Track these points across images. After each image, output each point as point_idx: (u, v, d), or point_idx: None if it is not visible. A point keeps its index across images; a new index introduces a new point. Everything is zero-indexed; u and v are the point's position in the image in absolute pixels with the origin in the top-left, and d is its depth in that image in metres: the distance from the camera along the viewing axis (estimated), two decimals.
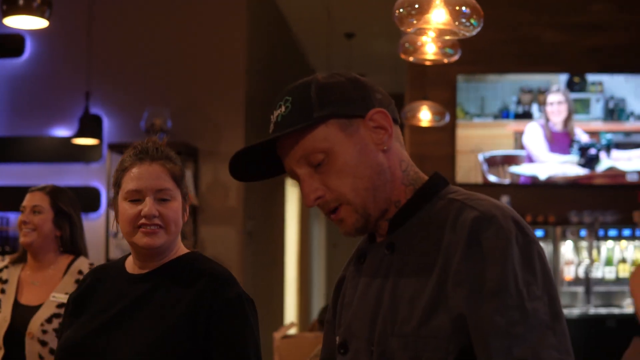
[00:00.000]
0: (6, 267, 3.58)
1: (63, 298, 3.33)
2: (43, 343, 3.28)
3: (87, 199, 8.08)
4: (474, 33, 3.47)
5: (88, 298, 2.44)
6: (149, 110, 7.56)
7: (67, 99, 8.26)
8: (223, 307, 2.29)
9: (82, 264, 3.53)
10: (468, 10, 3.40)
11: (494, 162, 8.15)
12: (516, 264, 1.51)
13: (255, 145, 1.69)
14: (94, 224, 7.94)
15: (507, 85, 8.15)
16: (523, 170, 8.12)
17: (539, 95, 8.10)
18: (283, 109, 1.67)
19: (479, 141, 8.17)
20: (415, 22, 3.47)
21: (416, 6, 3.42)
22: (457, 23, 3.43)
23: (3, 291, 3.49)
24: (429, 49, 4.77)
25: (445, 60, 4.92)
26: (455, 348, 1.52)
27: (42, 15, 5.12)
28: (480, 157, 8.15)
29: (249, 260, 8.38)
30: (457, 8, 3.39)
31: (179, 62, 8.24)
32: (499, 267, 1.50)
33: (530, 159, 8.10)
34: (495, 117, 8.15)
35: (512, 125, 8.17)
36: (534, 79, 8.16)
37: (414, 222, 1.66)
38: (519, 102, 8.12)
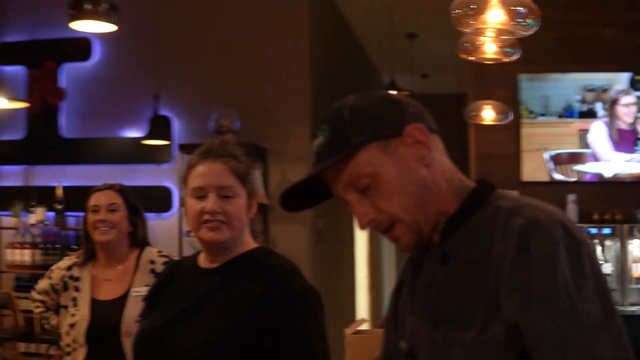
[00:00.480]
0: (75, 264, 3.63)
1: (144, 291, 3.33)
2: None
3: (159, 198, 8.28)
4: (530, 32, 3.52)
5: (164, 290, 2.54)
6: (217, 111, 7.69)
7: (136, 100, 8.44)
8: (288, 302, 2.34)
9: (151, 254, 3.61)
10: (524, 10, 3.46)
11: (559, 161, 8.13)
12: (565, 268, 1.50)
13: (302, 181, 1.72)
14: (166, 223, 8.13)
15: (570, 84, 8.11)
16: (588, 168, 8.09)
17: (602, 93, 8.06)
18: (321, 138, 1.69)
19: (544, 140, 8.16)
20: (472, 22, 3.53)
21: (473, 6, 3.49)
22: (513, 23, 3.49)
23: (77, 289, 3.55)
24: (489, 49, 4.79)
25: (506, 60, 4.93)
26: (514, 354, 1.52)
27: (109, 20, 5.27)
28: (546, 155, 8.14)
29: (318, 258, 8.47)
30: (513, 8, 3.45)
31: (246, 64, 8.36)
32: (548, 272, 1.49)
33: (595, 158, 8.07)
34: (560, 115, 8.12)
35: (576, 124, 8.13)
36: (596, 78, 8.12)
37: (464, 232, 1.67)
38: (582, 101, 8.08)
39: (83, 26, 5.36)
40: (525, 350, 1.50)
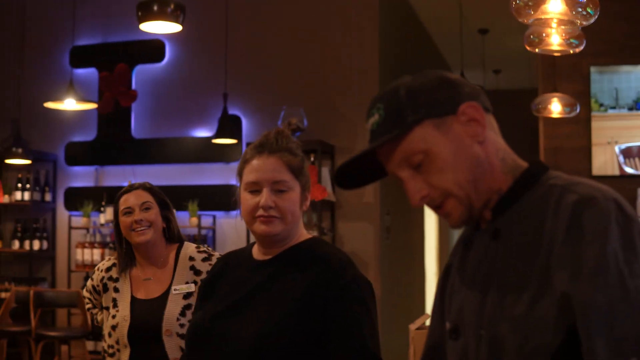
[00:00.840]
0: (115, 265, 3.60)
1: (185, 288, 3.40)
2: (183, 336, 3.21)
3: (228, 197, 8.34)
4: (591, 21, 3.50)
5: (217, 282, 2.56)
6: (285, 110, 7.75)
7: (206, 101, 8.55)
8: (339, 291, 2.33)
9: (190, 250, 3.55)
10: (584, 0, 3.44)
11: (630, 154, 8.01)
12: (616, 243, 1.50)
13: (357, 156, 1.74)
14: (235, 222, 8.17)
15: None
16: None
17: None
18: (377, 116, 1.71)
19: (614, 133, 8.05)
20: (532, 12, 3.52)
21: None
22: (574, 12, 3.47)
23: (116, 290, 3.53)
24: (554, 40, 4.76)
25: (571, 51, 4.88)
26: (562, 329, 1.52)
27: (176, 20, 5.36)
28: (617, 148, 8.03)
29: (386, 255, 8.47)
30: None
31: (313, 62, 8.41)
32: (599, 247, 1.50)
33: None
34: (630, 108, 8.00)
35: None
36: None
37: (516, 210, 1.68)
38: None
39: (151, 27, 5.47)
40: (573, 327, 1.50)
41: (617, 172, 8.04)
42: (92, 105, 7.13)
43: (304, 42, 8.46)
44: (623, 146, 8.03)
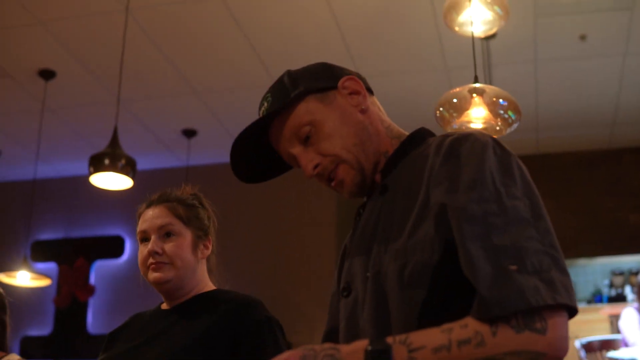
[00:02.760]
0: None
1: None
2: None
3: None
4: (514, 127, 3.58)
5: (121, 333, 2.55)
6: None
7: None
8: (249, 328, 2.32)
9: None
10: (505, 103, 3.53)
11: (591, 348, 7.89)
12: (493, 166, 1.51)
13: (246, 131, 1.78)
14: None
15: (598, 269, 8.06)
16: (621, 354, 7.84)
17: (631, 276, 7.97)
18: (265, 104, 1.81)
19: (574, 327, 7.96)
20: (456, 118, 3.61)
21: (455, 101, 3.57)
22: (497, 117, 3.55)
23: None
24: None
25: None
26: (440, 244, 1.49)
27: (126, 174, 5.45)
28: (577, 343, 7.93)
29: None
30: (495, 99, 3.52)
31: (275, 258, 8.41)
32: (475, 166, 1.51)
33: (626, 344, 7.84)
34: (589, 301, 8.00)
35: (606, 309, 7.98)
36: (625, 261, 8.06)
37: (403, 165, 1.72)
38: (611, 285, 7.98)
39: (100, 180, 5.55)
40: (452, 240, 1.47)
41: None
42: (46, 281, 7.09)
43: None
44: (584, 340, 7.93)
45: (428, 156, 1.63)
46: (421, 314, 1.48)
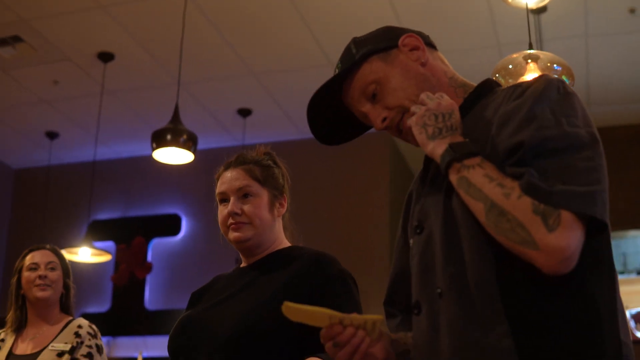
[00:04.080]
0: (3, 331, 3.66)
1: (62, 346, 3.47)
2: None
3: None
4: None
5: (205, 293, 2.64)
6: None
7: (220, 272, 8.58)
8: (324, 283, 2.39)
9: (81, 322, 3.66)
10: (560, 68, 3.63)
11: None
12: (555, 101, 1.60)
13: (317, 94, 1.94)
14: None
15: None
16: None
17: None
18: (336, 71, 1.94)
19: (624, 298, 7.82)
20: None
21: (510, 67, 3.69)
22: None
23: None
24: None
25: None
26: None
27: (188, 149, 5.60)
28: (627, 313, 7.99)
29: None
30: (549, 65, 3.63)
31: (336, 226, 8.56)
32: (537, 102, 1.60)
33: None
34: (639, 272, 8.03)
35: None
36: None
37: (470, 116, 1.80)
38: None
39: (162, 155, 5.70)
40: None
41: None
42: (107, 257, 7.27)
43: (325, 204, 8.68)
44: (634, 311, 7.98)
45: (497, 103, 1.71)
46: (492, 242, 1.57)
